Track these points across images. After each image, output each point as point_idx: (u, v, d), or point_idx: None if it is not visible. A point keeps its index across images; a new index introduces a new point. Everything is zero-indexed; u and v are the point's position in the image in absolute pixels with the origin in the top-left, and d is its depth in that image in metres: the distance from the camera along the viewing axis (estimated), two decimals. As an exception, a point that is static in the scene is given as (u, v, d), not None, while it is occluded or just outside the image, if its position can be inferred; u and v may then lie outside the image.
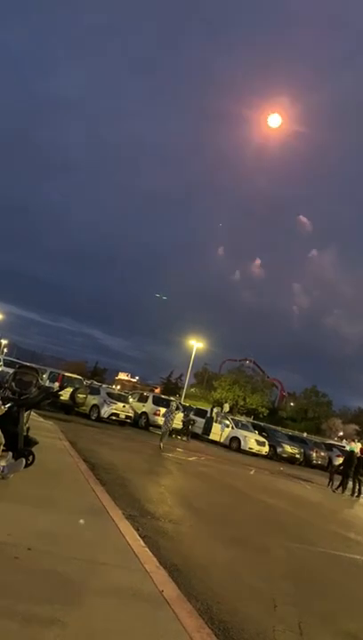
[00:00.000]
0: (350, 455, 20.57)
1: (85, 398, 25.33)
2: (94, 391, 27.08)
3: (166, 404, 28.88)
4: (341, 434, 69.15)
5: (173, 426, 26.43)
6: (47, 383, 25.24)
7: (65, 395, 25.29)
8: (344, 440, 40.81)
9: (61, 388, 25.37)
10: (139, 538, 5.73)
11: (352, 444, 21.98)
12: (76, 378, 30.14)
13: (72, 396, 24.43)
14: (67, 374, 30.03)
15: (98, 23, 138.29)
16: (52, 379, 27.42)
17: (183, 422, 27.54)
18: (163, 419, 26.43)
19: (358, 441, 23.89)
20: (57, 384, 25.53)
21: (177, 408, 22.03)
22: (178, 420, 27.03)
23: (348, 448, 21.72)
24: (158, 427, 27.27)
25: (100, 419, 24.59)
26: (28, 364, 19.06)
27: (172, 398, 32.99)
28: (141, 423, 27.21)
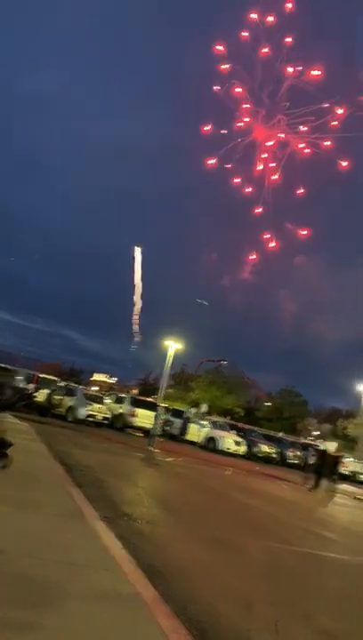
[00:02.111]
0: (324, 454, 20.80)
1: (61, 400, 25.17)
2: (70, 392, 26.89)
3: (143, 404, 28.89)
4: (316, 433, 69.98)
5: (150, 426, 26.52)
6: (22, 385, 24.94)
7: (41, 396, 25.10)
8: (319, 439, 41.28)
9: (37, 389, 25.21)
10: (116, 539, 5.70)
11: (327, 443, 22.21)
12: (51, 379, 29.90)
13: (48, 397, 24.25)
14: (42, 375, 29.76)
15: (78, 22, 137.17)
16: (28, 380, 27.10)
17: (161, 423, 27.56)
18: (140, 420, 26.55)
19: (333, 440, 24.15)
20: (32, 385, 25.29)
21: (166, 412, 22.67)
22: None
23: (323, 447, 21.95)
24: (135, 428, 27.25)
25: (76, 420, 24.40)
26: (3, 365, 18.82)
27: (150, 399, 32.97)
28: (117, 424, 27.10)
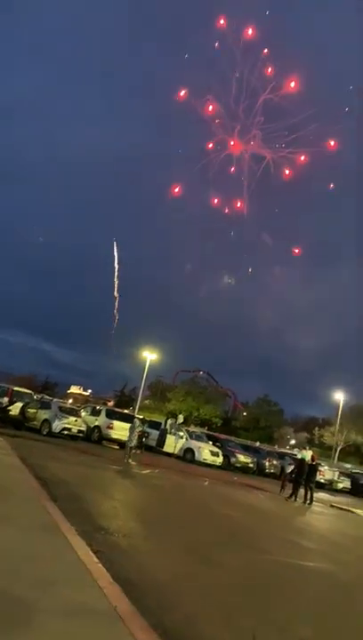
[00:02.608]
0: (301, 463, 20.92)
1: (36, 413, 24.78)
2: (45, 405, 26.51)
3: (120, 416, 28.65)
4: (293, 442, 70.44)
5: (126, 439, 26.33)
6: (-4, 398, 24.55)
7: (15, 410, 24.69)
8: (296, 448, 41.54)
9: (11, 402, 24.83)
10: (92, 553, 5.61)
11: (303, 451, 22.35)
12: (26, 392, 29.41)
13: (22, 410, 23.87)
14: (16, 389, 29.27)
15: (53, 27, 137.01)
16: (2, 393, 26.68)
17: (138, 435, 27.36)
18: (117, 432, 26.32)
19: (309, 449, 24.30)
20: (6, 399, 24.88)
21: (142, 423, 22.60)
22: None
23: (299, 456, 22.08)
24: (111, 440, 26.98)
25: (51, 434, 24.05)
26: (-24, 378, 18.47)
27: (126, 411, 32.79)
28: (93, 437, 26.77)
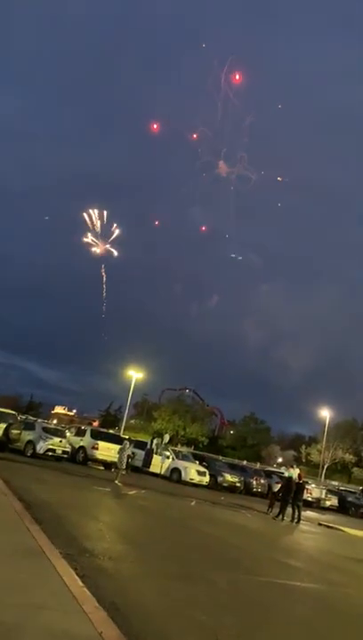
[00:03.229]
0: (288, 482, 20.84)
1: (20, 434, 24.43)
2: (29, 426, 26.21)
3: (105, 436, 28.39)
4: (280, 460, 70.24)
5: (112, 459, 26.09)
6: (-21, 419, 24.18)
7: (-2, 431, 24.33)
8: (283, 467, 41.42)
9: (-6, 423, 24.41)
10: (77, 577, 5.51)
11: (290, 470, 22.28)
12: (9, 413, 28.99)
13: (5, 432, 23.51)
14: (0, 410, 28.93)
15: (32, 50, 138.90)
16: (-16, 414, 26.30)
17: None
18: (102, 452, 26.05)
19: (297, 467, 24.25)
20: (-11, 420, 24.51)
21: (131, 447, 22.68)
22: (117, 454, 26.62)
23: (287, 474, 22.00)
24: (97, 461, 26.68)
25: (35, 455, 23.74)
26: None
27: (111, 431, 32.57)
28: (78, 458, 26.46)
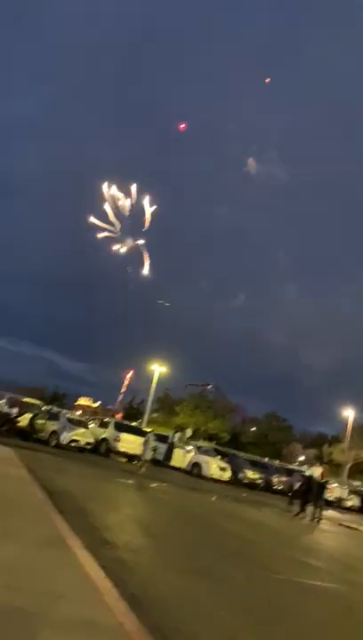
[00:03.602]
0: (309, 480, 20.69)
1: (44, 424, 24.81)
2: (53, 417, 26.55)
3: (128, 429, 28.62)
4: (301, 458, 69.75)
5: (135, 452, 26.32)
6: (5, 409, 24.62)
7: (23, 421, 24.73)
8: (305, 465, 41.13)
9: (20, 413, 24.87)
10: (98, 568, 5.58)
11: (312, 468, 22.13)
12: (34, 403, 29.50)
13: (31, 421, 23.91)
14: (25, 399, 29.36)
15: (55, 49, 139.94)
16: (11, 404, 26.73)
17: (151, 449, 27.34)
18: (125, 445, 26.30)
19: (320, 465, 24.06)
20: (15, 410, 24.93)
21: (155, 440, 23.24)
22: (139, 446, 26.82)
23: (308, 473, 21.85)
24: (119, 453, 26.92)
25: (59, 445, 24.06)
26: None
27: (134, 424, 32.91)
28: (101, 449, 26.72)
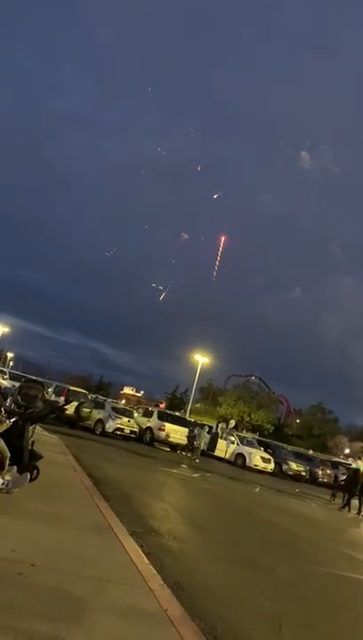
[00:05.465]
0: (355, 473, 20.35)
1: (90, 412, 25.29)
2: (99, 405, 27.04)
3: (172, 418, 28.85)
4: (347, 451, 68.57)
5: (178, 441, 26.55)
6: (52, 397, 25.24)
7: (70, 409, 25.26)
8: (350, 458, 40.41)
9: (67, 402, 25.41)
10: (143, 555, 5.67)
11: (358, 462, 21.72)
12: (81, 392, 30.15)
13: (77, 410, 24.39)
14: (72, 388, 30.05)
15: (106, 42, 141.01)
16: (58, 393, 27.42)
17: (188, 438, 27.49)
18: (168, 434, 26.60)
19: (365, 459, 23.59)
20: (62, 398, 25.53)
21: (208, 431, 24.43)
22: (182, 436, 27.03)
23: (354, 466, 21.47)
24: (163, 442, 27.19)
25: (104, 433, 24.51)
26: (34, 377, 19.05)
27: (178, 414, 33.25)
28: (145, 438, 27.05)
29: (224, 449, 30.45)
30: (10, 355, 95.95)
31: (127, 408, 31.79)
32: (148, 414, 29.05)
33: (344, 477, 22.72)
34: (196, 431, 25.82)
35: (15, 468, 6.78)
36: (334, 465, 34.63)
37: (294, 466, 31.61)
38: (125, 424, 25.40)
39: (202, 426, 29.41)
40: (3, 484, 6.39)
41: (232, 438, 31.08)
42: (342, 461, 38.18)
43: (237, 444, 30.44)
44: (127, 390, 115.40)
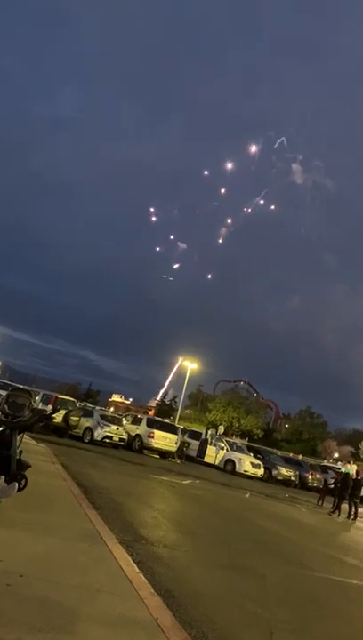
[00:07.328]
0: (345, 477, 20.44)
1: (78, 421, 25.12)
2: (87, 413, 26.88)
3: (161, 425, 28.76)
4: (336, 455, 68.84)
5: (168, 448, 26.47)
6: (40, 405, 25.03)
7: (58, 417, 25.07)
8: (340, 462, 40.58)
9: (55, 410, 25.22)
10: (133, 563, 5.63)
11: (348, 466, 21.83)
12: (69, 400, 29.94)
13: (65, 418, 24.23)
14: (60, 396, 29.82)
15: (94, 48, 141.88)
16: (46, 401, 27.20)
17: (180, 443, 27.46)
18: (158, 441, 26.50)
19: (354, 462, 23.72)
20: (50, 406, 25.34)
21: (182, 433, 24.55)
22: (171, 442, 26.98)
23: (343, 470, 21.57)
24: (152, 449, 27.08)
25: (93, 441, 24.36)
26: (21, 386, 18.89)
27: (167, 420, 33.24)
28: (134, 446, 26.93)
29: (214, 455, 30.38)
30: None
31: (116, 416, 31.64)
32: (137, 421, 28.93)
33: (332, 482, 22.82)
34: (185, 437, 25.91)
35: (3, 477, 6.69)
36: (324, 469, 34.71)
37: (283, 471, 31.62)
38: (114, 432, 25.28)
39: (184, 431, 29.60)
40: (-10, 493, 6.31)
41: (222, 444, 31.02)
42: (332, 465, 38.31)
43: (227, 449, 30.40)
44: (116, 398, 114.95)
